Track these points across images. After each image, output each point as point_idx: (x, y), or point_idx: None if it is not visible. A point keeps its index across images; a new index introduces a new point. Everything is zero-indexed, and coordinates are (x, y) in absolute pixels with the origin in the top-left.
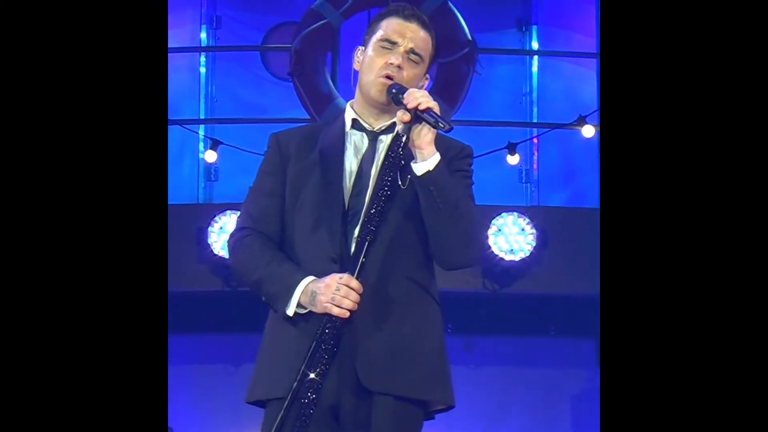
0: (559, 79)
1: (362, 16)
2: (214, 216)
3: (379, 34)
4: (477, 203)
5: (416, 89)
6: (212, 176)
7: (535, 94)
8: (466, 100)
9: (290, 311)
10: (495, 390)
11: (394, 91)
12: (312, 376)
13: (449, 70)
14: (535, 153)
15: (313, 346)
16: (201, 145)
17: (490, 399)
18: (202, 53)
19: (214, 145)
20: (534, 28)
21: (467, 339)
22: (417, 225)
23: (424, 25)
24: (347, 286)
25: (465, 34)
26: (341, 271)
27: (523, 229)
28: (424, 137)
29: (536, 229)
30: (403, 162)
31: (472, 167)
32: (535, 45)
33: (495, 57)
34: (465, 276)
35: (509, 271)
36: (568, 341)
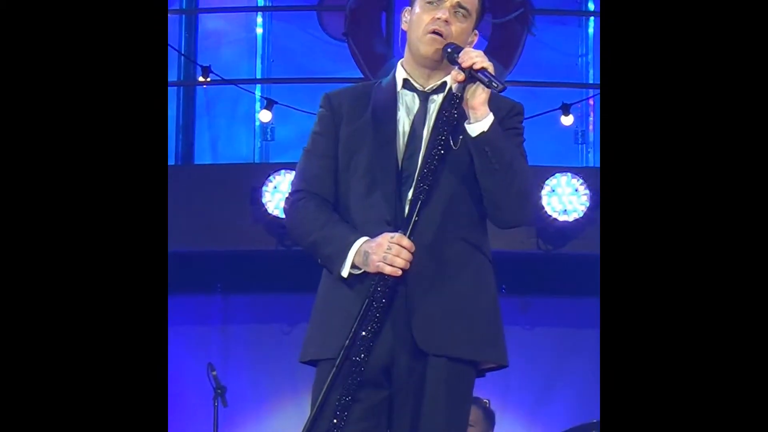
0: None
1: None
2: (269, 175)
3: None
4: (531, 164)
5: (471, 49)
6: (268, 136)
7: (591, 56)
8: (522, 60)
9: (345, 272)
10: (551, 350)
11: (449, 50)
12: (364, 335)
13: (504, 31)
14: (591, 114)
15: (365, 305)
16: (257, 105)
17: (546, 359)
18: (259, 13)
19: (269, 105)
20: None
21: (522, 299)
22: (470, 185)
23: None
24: (399, 244)
25: None
26: (395, 231)
27: (576, 190)
28: (479, 97)
29: (590, 189)
30: (455, 122)
31: (524, 125)
32: (591, 6)
33: (552, 18)
34: (519, 236)
35: (563, 231)
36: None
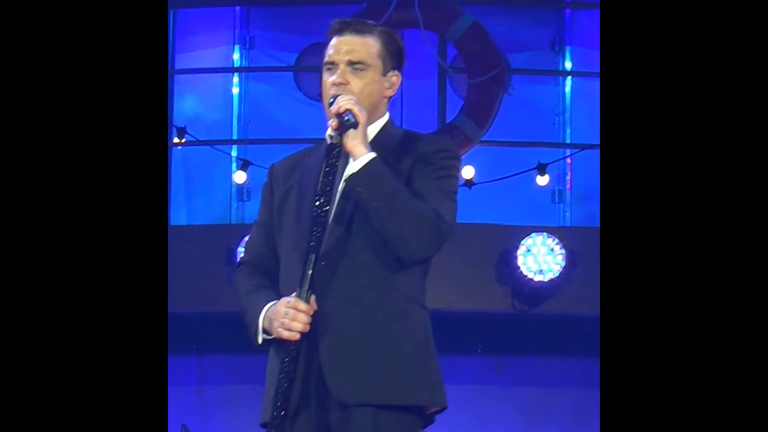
0: (591, 100)
1: None
2: (244, 236)
3: (324, 58)
4: (507, 223)
5: (343, 96)
6: (244, 197)
7: (567, 115)
8: (498, 119)
9: (259, 339)
10: (526, 410)
11: (331, 101)
12: (279, 401)
13: (480, 90)
14: (569, 173)
15: (278, 370)
16: (233, 166)
17: (522, 419)
18: (236, 74)
19: (245, 165)
20: (567, 49)
21: (497, 360)
22: (373, 230)
23: (359, 31)
24: (295, 308)
25: (496, 54)
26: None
27: (552, 250)
28: (351, 140)
29: (565, 249)
30: (337, 171)
31: (451, 160)
32: (568, 65)
33: (528, 77)
34: (494, 297)
35: (538, 291)
36: (597, 362)
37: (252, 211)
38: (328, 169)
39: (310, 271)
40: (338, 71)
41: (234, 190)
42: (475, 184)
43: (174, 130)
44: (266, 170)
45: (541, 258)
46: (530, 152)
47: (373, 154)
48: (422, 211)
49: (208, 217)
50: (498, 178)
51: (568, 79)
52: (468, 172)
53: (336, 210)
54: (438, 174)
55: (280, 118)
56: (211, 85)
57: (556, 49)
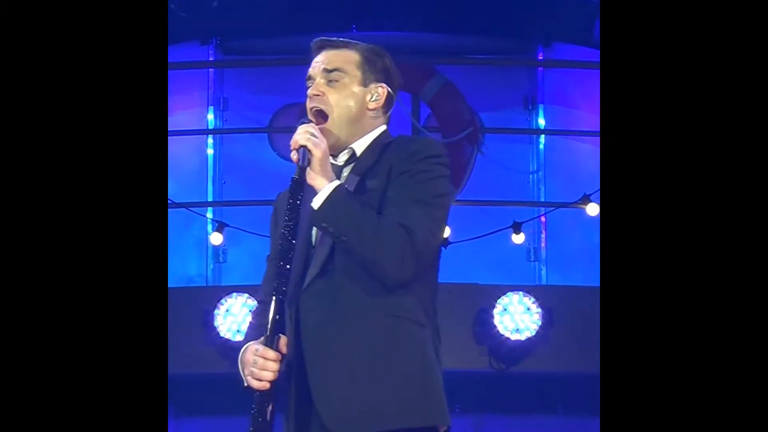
0: (565, 157)
1: None
2: (221, 298)
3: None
4: (483, 282)
5: (301, 128)
6: (220, 258)
7: (541, 173)
8: (472, 179)
9: (244, 384)
10: None
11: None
12: None
13: (453, 150)
14: (543, 231)
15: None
16: (209, 227)
17: None
18: (210, 135)
19: (220, 227)
20: (540, 107)
21: (476, 419)
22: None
23: (337, 45)
24: (263, 357)
25: (469, 114)
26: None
27: (528, 308)
28: (310, 174)
29: (542, 308)
30: (299, 202)
31: (426, 162)
32: (541, 122)
33: (501, 136)
34: (471, 355)
35: (515, 350)
36: (576, 420)
37: (228, 273)
38: (290, 205)
39: (277, 316)
40: (316, 82)
41: (210, 252)
42: (451, 243)
43: None
44: (239, 232)
45: (518, 317)
46: (505, 211)
47: (333, 185)
48: (392, 233)
49: (185, 279)
50: (473, 237)
51: (542, 137)
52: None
53: (317, 238)
54: (411, 181)
55: (256, 179)
56: (186, 146)
57: (529, 108)
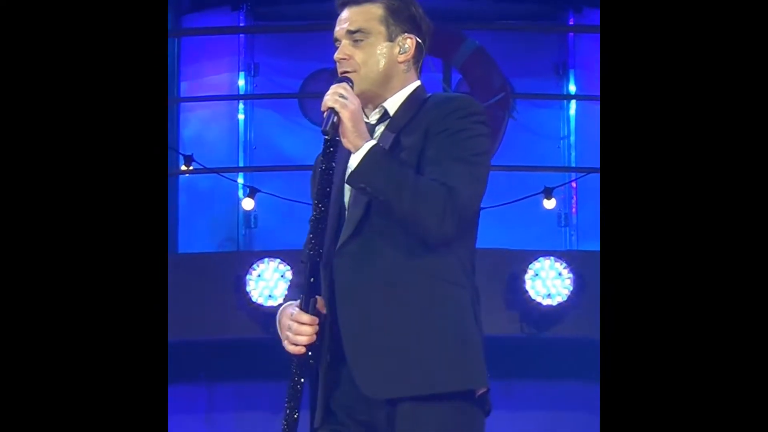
0: (596, 123)
1: None
2: (253, 263)
3: None
4: (514, 248)
5: (331, 90)
6: (252, 224)
7: (572, 138)
8: (503, 144)
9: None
10: None
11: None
12: (291, 413)
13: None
14: (574, 197)
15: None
16: (240, 193)
17: None
18: (241, 101)
19: (252, 193)
20: (571, 73)
21: (506, 384)
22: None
23: (357, 1)
24: (297, 322)
25: (501, 79)
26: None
27: (560, 274)
28: (343, 135)
29: (573, 273)
30: (334, 164)
31: (465, 120)
32: (572, 89)
33: (532, 101)
34: (502, 321)
35: (546, 315)
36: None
37: (259, 238)
38: (323, 167)
39: (311, 279)
40: (342, 44)
41: (241, 217)
42: (482, 209)
43: (180, 157)
44: (271, 197)
45: (549, 282)
46: (536, 176)
47: (369, 145)
48: (432, 190)
49: (216, 244)
50: (504, 202)
51: (573, 103)
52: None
53: (351, 199)
54: (451, 140)
55: (286, 145)
56: (217, 112)
57: (560, 73)
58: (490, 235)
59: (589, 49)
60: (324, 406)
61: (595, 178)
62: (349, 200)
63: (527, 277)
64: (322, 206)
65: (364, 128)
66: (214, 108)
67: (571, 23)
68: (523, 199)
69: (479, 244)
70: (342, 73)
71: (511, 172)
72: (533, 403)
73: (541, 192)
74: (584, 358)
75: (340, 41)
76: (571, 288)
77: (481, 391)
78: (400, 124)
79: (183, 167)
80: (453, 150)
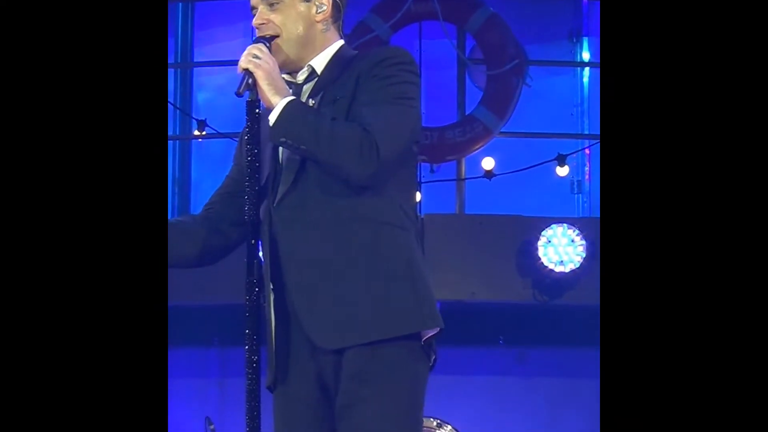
0: None
1: (412, 29)
2: None
3: None
4: (527, 214)
5: (246, 52)
6: None
7: (586, 105)
8: (517, 111)
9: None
10: (547, 401)
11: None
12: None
13: (498, 82)
14: (587, 164)
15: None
16: None
17: (543, 410)
18: None
19: None
20: (585, 40)
21: (519, 350)
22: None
23: None
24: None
25: (515, 46)
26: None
27: (572, 241)
28: (262, 94)
29: (586, 240)
30: (257, 126)
31: (394, 67)
32: (585, 56)
33: (546, 68)
34: (515, 288)
35: (559, 282)
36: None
37: None
38: (248, 128)
39: (252, 241)
40: (258, 10)
41: None
42: (495, 175)
43: (194, 122)
44: None
45: (561, 249)
46: (549, 143)
47: (285, 100)
48: (348, 131)
49: None
50: (518, 169)
51: (586, 70)
52: (488, 163)
53: (284, 155)
54: (377, 86)
55: None
56: (230, 77)
57: (574, 40)
58: (503, 201)
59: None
60: (275, 365)
61: None
62: (284, 156)
63: (540, 243)
64: (253, 167)
65: (281, 85)
66: (228, 74)
67: None
68: (536, 165)
69: (492, 210)
70: (258, 39)
71: (525, 138)
72: (545, 370)
73: (555, 159)
74: (597, 325)
75: (256, 8)
76: (584, 255)
77: (427, 336)
78: (327, 79)
79: (196, 132)
80: (378, 94)
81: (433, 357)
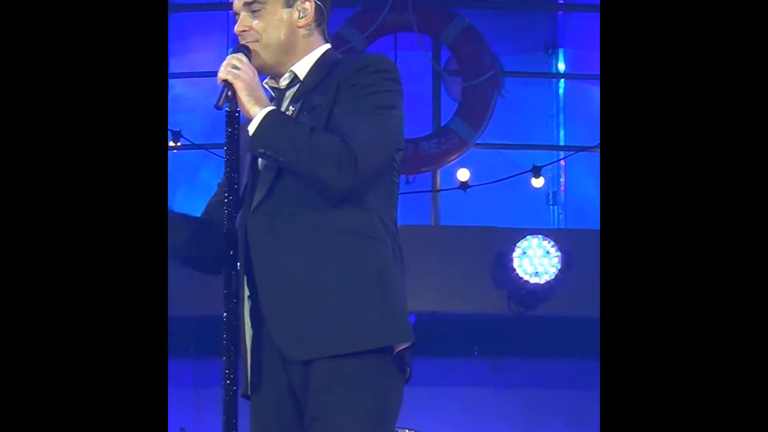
0: (585, 101)
1: (388, 40)
2: None
3: None
4: (502, 225)
5: (225, 62)
6: None
7: (561, 117)
8: (492, 122)
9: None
10: (522, 412)
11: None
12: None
13: (474, 93)
14: (563, 175)
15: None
16: None
17: (518, 421)
18: None
19: None
20: (560, 51)
21: (494, 361)
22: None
23: None
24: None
25: (490, 57)
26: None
27: (547, 252)
28: (241, 104)
29: (561, 251)
30: (236, 135)
31: (374, 76)
32: (561, 67)
33: (521, 80)
34: (490, 299)
35: (534, 293)
36: (594, 364)
37: None
38: (227, 138)
39: (230, 252)
40: (240, 16)
41: None
42: (470, 186)
43: (169, 133)
44: None
45: (537, 260)
46: (524, 154)
47: (265, 111)
48: (327, 142)
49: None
50: (493, 180)
51: (562, 81)
52: (463, 174)
53: (263, 163)
54: (357, 95)
55: None
56: (205, 88)
57: (550, 52)
58: (478, 213)
59: (578, 27)
60: (248, 373)
61: (583, 157)
62: (262, 164)
63: (515, 255)
64: (230, 178)
65: (261, 95)
66: (202, 85)
67: (560, 2)
68: (511, 177)
69: (467, 222)
70: (241, 48)
71: (500, 150)
72: (520, 381)
73: (530, 170)
74: (571, 337)
75: (239, 14)
76: (559, 266)
77: (399, 348)
78: (310, 85)
79: (171, 143)
80: (358, 104)
81: (408, 369)
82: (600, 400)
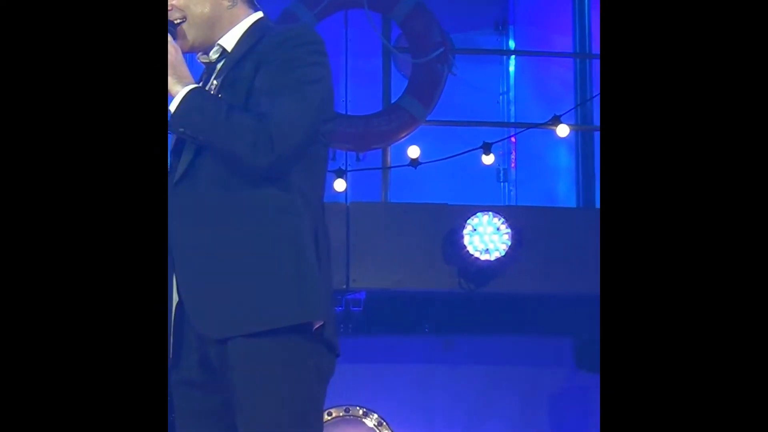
0: (535, 79)
1: (338, 17)
2: None
3: None
4: (452, 202)
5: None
6: None
7: (512, 94)
8: (443, 100)
9: None
10: (474, 388)
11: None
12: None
13: (424, 70)
14: (513, 152)
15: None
16: None
17: (470, 397)
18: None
19: None
20: (511, 29)
21: (445, 338)
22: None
23: None
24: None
25: (441, 35)
26: None
27: (498, 229)
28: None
29: (511, 228)
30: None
31: (297, 49)
32: (512, 44)
33: (472, 57)
34: (440, 276)
35: (484, 270)
36: (545, 340)
37: None
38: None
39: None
40: None
41: None
42: (421, 163)
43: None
44: None
45: (487, 237)
46: (475, 131)
47: (185, 90)
48: (243, 122)
49: None
50: (443, 157)
51: (512, 59)
52: (413, 151)
53: (186, 145)
54: (279, 70)
55: None
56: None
57: (500, 29)
58: (428, 190)
59: (528, 5)
60: (173, 350)
61: (533, 134)
62: (186, 143)
63: (465, 232)
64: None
65: (184, 74)
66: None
67: None
68: (461, 154)
69: (417, 199)
70: (170, 22)
71: (450, 127)
72: (472, 358)
73: (480, 147)
74: (522, 313)
75: None
76: (509, 243)
77: (318, 324)
78: (235, 58)
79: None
80: (280, 79)
81: (333, 346)
82: (600, 390)
